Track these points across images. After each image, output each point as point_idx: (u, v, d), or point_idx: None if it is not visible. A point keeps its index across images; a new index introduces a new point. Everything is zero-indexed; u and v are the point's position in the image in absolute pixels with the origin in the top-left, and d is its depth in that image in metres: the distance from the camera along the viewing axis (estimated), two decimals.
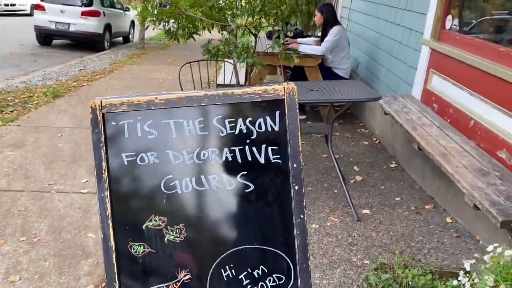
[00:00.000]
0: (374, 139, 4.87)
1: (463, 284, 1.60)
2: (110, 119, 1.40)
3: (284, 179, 1.43)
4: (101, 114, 1.39)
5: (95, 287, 2.41)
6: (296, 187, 1.42)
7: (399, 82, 4.45)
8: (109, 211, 1.39)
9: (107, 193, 1.39)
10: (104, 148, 1.40)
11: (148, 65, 9.27)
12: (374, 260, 2.66)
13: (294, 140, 1.41)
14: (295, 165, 1.42)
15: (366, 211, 3.32)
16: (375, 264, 1.95)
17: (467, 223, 3.06)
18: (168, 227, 1.43)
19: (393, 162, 4.25)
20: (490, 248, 1.65)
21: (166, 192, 1.43)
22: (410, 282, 1.77)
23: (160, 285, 1.44)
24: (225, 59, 4.28)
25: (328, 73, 5.04)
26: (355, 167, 4.11)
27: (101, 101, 1.40)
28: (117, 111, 1.40)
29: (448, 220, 3.19)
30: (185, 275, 1.44)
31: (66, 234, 2.89)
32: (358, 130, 5.18)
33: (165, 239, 1.43)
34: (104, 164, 1.40)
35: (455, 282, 1.65)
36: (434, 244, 2.87)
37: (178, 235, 1.44)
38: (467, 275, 1.62)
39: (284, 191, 1.43)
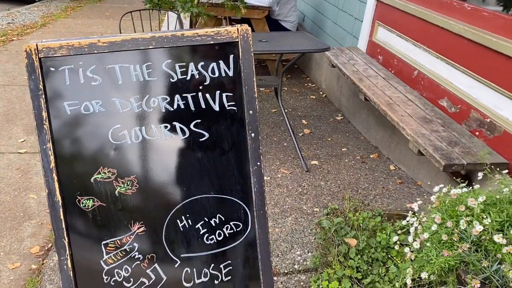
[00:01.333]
0: (321, 93, 4.92)
1: (411, 224, 1.67)
2: (48, 64, 1.27)
3: (239, 127, 1.39)
4: (37, 58, 1.26)
5: (40, 248, 2.31)
6: (253, 135, 1.39)
7: (345, 35, 4.46)
8: (53, 164, 1.29)
9: (50, 145, 1.29)
10: (43, 96, 1.28)
11: (84, 19, 8.68)
12: (323, 207, 2.74)
13: (249, 86, 1.36)
14: (251, 111, 1.38)
15: (314, 162, 3.39)
16: (326, 210, 1.99)
17: (410, 169, 3.21)
18: (118, 179, 1.36)
19: (339, 114, 4.33)
20: (436, 189, 1.73)
21: (115, 142, 1.34)
22: (361, 224, 1.84)
23: (113, 239, 1.39)
24: (168, 9, 4.07)
25: (275, 26, 4.96)
26: (303, 121, 4.15)
27: (36, 45, 1.26)
28: (55, 55, 1.27)
29: (392, 167, 3.33)
30: (139, 228, 1.39)
31: (5, 196, 2.71)
32: (306, 84, 5.20)
33: (116, 192, 1.37)
34: (44, 114, 1.28)
35: (404, 222, 1.72)
36: (379, 191, 2.99)
37: (130, 187, 1.37)
38: (415, 215, 1.69)
39: (240, 138, 1.40)
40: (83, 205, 1.35)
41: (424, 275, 1.42)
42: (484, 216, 1.45)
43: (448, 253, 1.42)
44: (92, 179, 1.35)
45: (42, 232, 2.42)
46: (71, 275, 1.36)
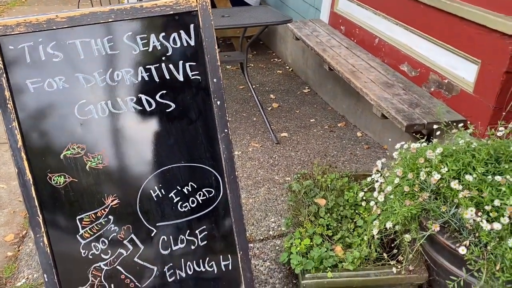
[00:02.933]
0: (287, 67, 4.96)
1: (376, 180, 1.76)
2: (6, 42, 1.26)
3: (205, 95, 1.42)
4: None
5: (15, 235, 2.30)
6: (218, 102, 1.42)
7: (307, 8, 4.50)
8: (20, 143, 1.30)
9: (15, 124, 1.29)
10: (4, 75, 1.27)
11: (41, 5, 8.37)
12: (295, 175, 2.83)
13: (211, 55, 1.39)
14: (215, 80, 1.41)
15: (284, 134, 3.45)
16: (297, 175, 2.06)
17: (376, 135, 3.32)
18: (88, 154, 1.38)
19: (306, 87, 4.39)
20: (397, 145, 1.82)
21: (81, 118, 1.35)
22: (329, 185, 1.91)
23: (87, 213, 1.41)
24: None
25: (237, 1, 4.94)
26: (271, 95, 4.19)
27: None
28: (13, 33, 1.26)
29: (359, 134, 3.43)
30: (112, 200, 1.42)
31: None
32: (272, 60, 5.23)
33: (87, 167, 1.38)
34: (7, 94, 1.28)
35: (368, 179, 1.81)
36: (348, 157, 3.09)
37: (101, 162, 1.39)
38: (379, 172, 1.78)
39: (206, 107, 1.43)
40: (55, 182, 1.36)
41: (389, 224, 1.51)
42: (442, 166, 1.54)
43: (410, 203, 1.51)
44: (61, 156, 1.36)
45: (16, 220, 2.40)
46: (48, 251, 1.38)
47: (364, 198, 1.81)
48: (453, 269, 1.46)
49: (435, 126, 2.05)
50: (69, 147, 1.36)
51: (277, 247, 2.23)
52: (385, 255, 1.63)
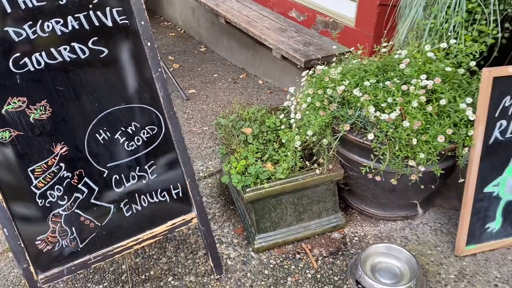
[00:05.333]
0: (179, 29, 5.02)
1: (291, 104, 2.03)
2: None
3: (135, 38, 1.52)
4: None
5: None
6: (149, 44, 1.54)
7: None
8: None
9: None
10: None
11: None
12: (210, 125, 3.02)
13: None
14: (142, 22, 1.51)
15: (192, 91, 3.59)
16: (221, 114, 2.25)
17: (276, 80, 3.62)
18: (30, 106, 1.41)
19: (202, 46, 4.53)
20: (304, 73, 2.10)
21: (18, 71, 1.38)
22: (251, 117, 2.14)
23: (38, 164, 1.45)
24: None
25: None
26: (170, 57, 4.27)
27: None
28: None
29: (260, 82, 3.71)
30: (61, 148, 1.48)
31: None
32: (161, 24, 5.23)
33: (31, 119, 1.42)
34: None
35: (285, 103, 2.08)
36: (255, 102, 3.35)
37: (44, 112, 1.43)
38: (293, 95, 2.05)
39: (138, 49, 1.53)
40: (0, 137, 1.39)
41: (309, 133, 1.79)
42: (343, 81, 1.85)
43: (323, 113, 1.81)
44: (3, 111, 1.38)
45: None
46: (5, 206, 1.42)
47: (282, 121, 2.07)
48: (363, 161, 1.80)
49: (328, 60, 2.37)
50: (9, 101, 1.38)
51: (209, 184, 2.43)
52: (307, 163, 1.93)
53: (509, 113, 1.66)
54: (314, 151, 1.97)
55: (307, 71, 2.11)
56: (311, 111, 1.87)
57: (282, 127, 2.07)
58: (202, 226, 1.77)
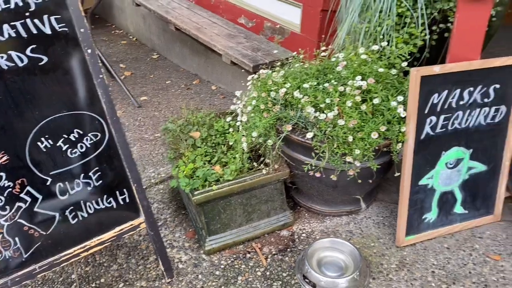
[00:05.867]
0: (131, 37, 4.99)
1: (238, 107, 2.09)
2: None
3: (75, 45, 1.53)
4: None
5: None
6: (89, 51, 1.55)
7: None
8: None
9: None
10: None
11: None
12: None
13: (74, 6, 1.50)
14: (82, 30, 1.52)
15: (144, 98, 3.58)
16: (170, 120, 2.27)
17: (228, 85, 3.67)
18: None
19: (155, 53, 4.52)
20: (249, 77, 2.16)
21: None
22: (200, 121, 2.18)
23: None
24: None
25: None
26: (121, 65, 4.24)
27: None
28: None
29: (213, 87, 3.75)
30: (1, 158, 1.46)
31: None
32: (113, 32, 5.18)
33: None
34: None
35: (232, 107, 2.13)
36: (208, 107, 3.39)
37: None
38: (239, 98, 2.11)
39: (78, 56, 1.54)
40: None
41: (254, 134, 1.85)
42: (286, 84, 1.93)
43: (267, 115, 1.87)
44: None
45: None
46: None
47: (230, 124, 2.12)
48: (305, 159, 1.87)
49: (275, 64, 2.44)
50: None
51: (161, 190, 2.44)
52: (255, 164, 1.98)
53: (438, 110, 1.78)
54: (261, 152, 2.03)
55: (253, 75, 2.17)
56: (256, 113, 1.92)
57: (231, 130, 2.12)
58: (151, 231, 1.78)
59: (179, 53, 4.16)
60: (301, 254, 1.90)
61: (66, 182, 1.60)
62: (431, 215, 1.96)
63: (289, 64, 2.22)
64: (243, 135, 1.94)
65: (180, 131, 2.09)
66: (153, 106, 3.44)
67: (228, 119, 2.15)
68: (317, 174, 1.82)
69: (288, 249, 1.98)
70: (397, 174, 1.84)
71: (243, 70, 3.24)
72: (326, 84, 1.87)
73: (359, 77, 1.81)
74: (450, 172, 1.91)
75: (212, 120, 2.22)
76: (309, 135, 1.76)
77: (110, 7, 5.29)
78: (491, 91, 1.82)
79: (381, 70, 1.83)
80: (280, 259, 1.93)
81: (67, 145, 1.58)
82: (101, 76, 1.58)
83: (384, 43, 1.92)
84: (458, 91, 1.77)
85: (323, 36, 2.61)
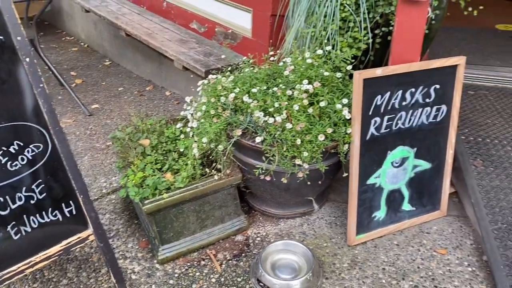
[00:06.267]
0: (82, 43, 4.86)
1: (188, 113, 2.07)
2: None
3: (12, 54, 1.47)
4: None
5: None
6: (27, 59, 1.49)
7: None
8: None
9: None
10: None
11: None
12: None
13: (10, 13, 1.44)
14: (19, 38, 1.47)
15: (95, 106, 3.50)
16: (118, 128, 2.23)
17: (182, 91, 3.64)
18: None
19: (107, 60, 4.43)
20: (199, 83, 2.15)
21: None
22: (149, 128, 2.15)
23: None
24: None
25: None
26: (72, 72, 4.12)
27: None
28: None
29: (167, 93, 3.71)
30: None
31: None
32: (63, 38, 5.03)
33: None
34: None
35: (182, 113, 2.11)
36: (162, 113, 3.35)
37: None
38: (190, 104, 2.09)
39: (16, 65, 1.48)
40: None
41: (205, 140, 1.84)
42: (235, 89, 1.93)
43: (217, 120, 1.87)
44: None
45: None
46: None
47: (182, 130, 2.10)
48: (257, 163, 1.88)
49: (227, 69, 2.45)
50: None
51: (113, 201, 2.38)
52: (207, 170, 1.97)
53: (382, 111, 1.84)
54: (213, 158, 2.02)
55: (203, 80, 2.16)
56: (206, 119, 1.92)
57: (182, 136, 2.10)
58: (100, 242, 1.73)
59: (131, 59, 4.09)
60: (255, 258, 1.90)
61: (7, 196, 1.53)
62: (380, 213, 2.01)
63: (240, 69, 2.23)
64: (194, 141, 1.92)
65: (129, 139, 2.05)
66: (105, 114, 3.36)
67: (179, 125, 2.13)
68: (268, 178, 1.83)
69: (243, 254, 1.98)
70: (345, 175, 1.88)
71: (196, 75, 3.22)
72: (275, 88, 1.89)
73: (306, 81, 1.84)
74: (396, 171, 1.97)
75: (163, 126, 2.20)
76: (258, 139, 1.77)
77: (59, 14, 5.14)
78: (432, 91, 1.90)
79: (326, 73, 1.87)
80: (235, 265, 1.92)
81: (6, 158, 1.51)
82: (41, 85, 1.53)
83: (329, 47, 1.96)
84: (400, 92, 1.83)
85: (271, 41, 2.63)
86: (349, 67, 1.95)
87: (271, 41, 2.69)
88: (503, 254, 1.78)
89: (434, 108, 1.93)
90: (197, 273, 1.89)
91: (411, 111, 1.89)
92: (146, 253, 2.01)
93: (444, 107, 1.95)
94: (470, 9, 2.15)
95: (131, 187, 1.81)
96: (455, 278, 1.83)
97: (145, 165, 1.93)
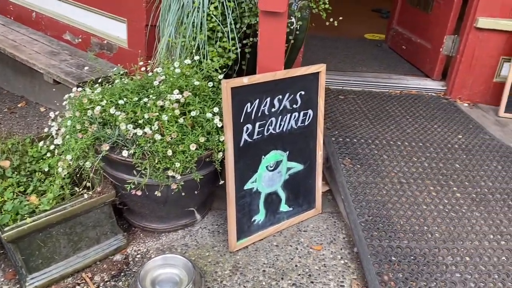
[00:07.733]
0: None
1: (54, 128, 1.94)
2: None
3: None
4: None
5: None
6: None
7: None
8: None
9: None
10: None
11: None
12: None
13: None
14: None
15: None
16: None
17: (58, 107, 3.38)
18: None
19: None
20: (66, 96, 2.03)
21: None
22: (10, 149, 1.97)
23: None
24: None
25: None
26: None
27: None
28: None
29: (42, 109, 3.45)
30: None
31: None
32: None
33: None
34: None
35: (46, 130, 1.97)
36: (35, 132, 3.10)
37: None
38: (54, 120, 1.96)
39: None
40: None
41: (69, 157, 1.73)
42: (102, 101, 1.85)
43: (83, 136, 1.77)
44: None
45: None
46: None
47: (47, 148, 1.96)
48: (129, 177, 1.82)
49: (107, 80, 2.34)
50: None
51: None
52: (77, 189, 1.86)
53: (253, 118, 1.89)
54: (83, 175, 1.91)
55: (69, 94, 2.04)
56: (72, 134, 1.81)
57: (48, 155, 1.96)
58: None
59: (1, 73, 3.74)
60: (134, 277, 1.83)
61: None
62: (260, 217, 2.06)
63: (112, 81, 2.14)
64: (58, 160, 1.80)
65: None
66: None
67: (43, 143, 1.99)
68: (139, 192, 1.77)
69: (122, 274, 1.89)
70: (221, 182, 1.90)
71: (70, 89, 3.04)
72: (146, 99, 1.85)
73: (176, 91, 1.83)
74: (271, 174, 2.04)
75: (27, 145, 2.03)
76: (125, 153, 1.71)
77: None
78: (298, 97, 2.00)
79: (197, 83, 1.88)
80: (113, 285, 1.83)
81: None
82: None
83: (197, 57, 1.97)
84: (268, 99, 1.91)
85: (147, 51, 2.59)
86: (221, 76, 1.98)
87: (146, 51, 2.65)
88: (370, 244, 1.93)
89: (302, 113, 2.04)
90: None
91: (280, 117, 1.98)
92: (13, 285, 1.83)
93: (310, 112, 2.07)
94: (331, 19, 2.32)
95: None
96: (329, 272, 1.94)
97: (5, 189, 1.76)
